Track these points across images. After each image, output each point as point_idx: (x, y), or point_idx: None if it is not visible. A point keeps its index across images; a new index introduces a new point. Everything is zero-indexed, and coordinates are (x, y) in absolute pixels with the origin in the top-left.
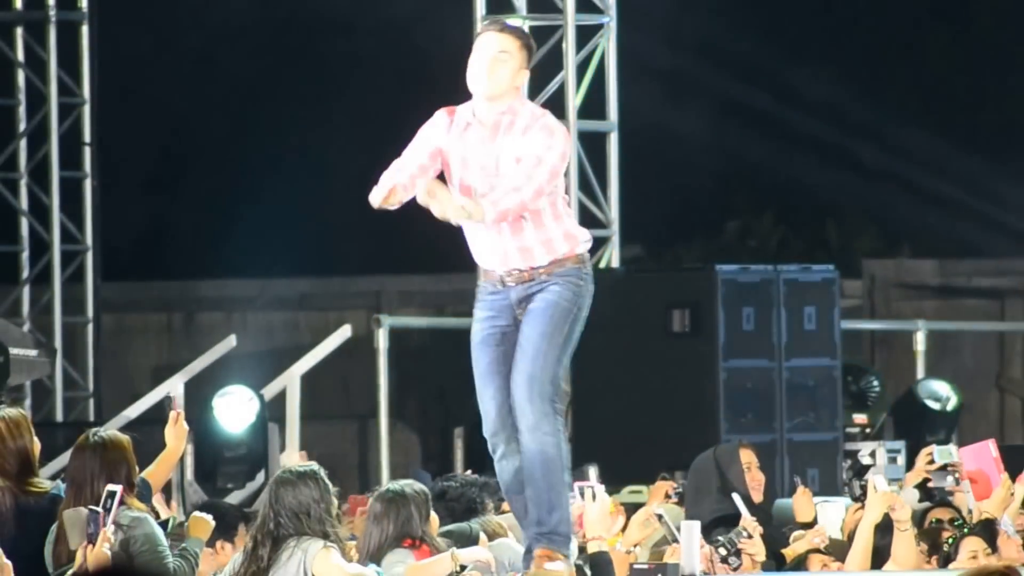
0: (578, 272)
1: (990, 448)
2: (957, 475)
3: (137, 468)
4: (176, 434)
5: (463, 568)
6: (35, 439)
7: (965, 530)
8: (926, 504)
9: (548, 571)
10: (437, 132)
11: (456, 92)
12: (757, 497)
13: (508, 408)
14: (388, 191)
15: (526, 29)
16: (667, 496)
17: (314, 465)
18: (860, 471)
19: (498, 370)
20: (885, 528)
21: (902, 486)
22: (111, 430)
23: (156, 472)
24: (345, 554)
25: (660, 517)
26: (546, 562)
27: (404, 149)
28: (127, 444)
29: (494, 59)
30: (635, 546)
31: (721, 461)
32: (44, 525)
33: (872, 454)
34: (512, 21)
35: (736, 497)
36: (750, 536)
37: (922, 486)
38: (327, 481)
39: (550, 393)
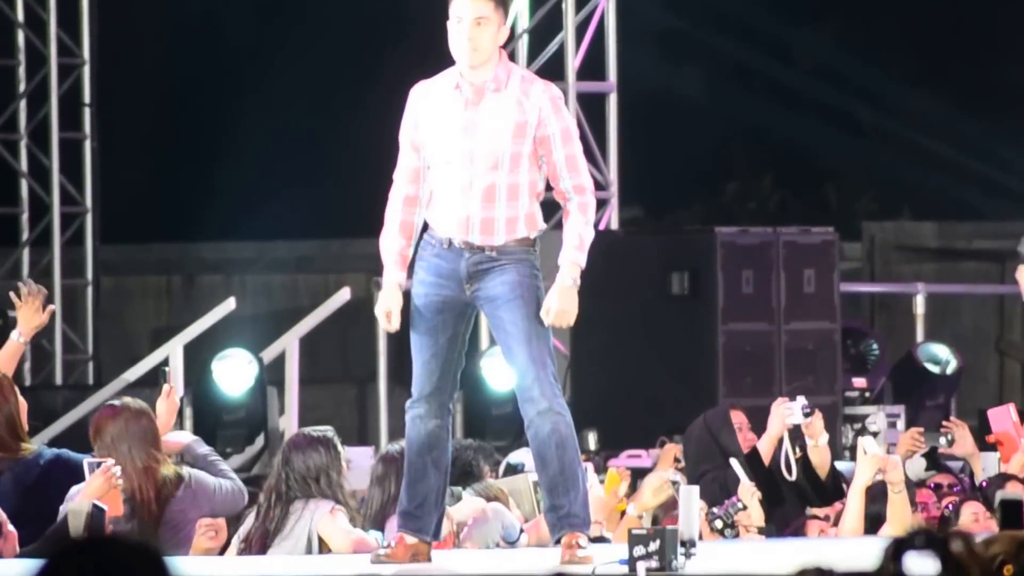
0: (527, 253)
1: (1010, 412)
2: (950, 436)
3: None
4: (168, 408)
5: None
6: (20, 399)
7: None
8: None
9: (581, 558)
10: (416, 120)
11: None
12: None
13: (440, 374)
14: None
15: None
16: (676, 460)
17: (328, 430)
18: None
19: (436, 338)
20: (879, 493)
21: (889, 450)
22: (127, 398)
23: None
24: (353, 519)
25: (675, 484)
26: (577, 550)
27: (398, 149)
28: (149, 408)
29: (473, 28)
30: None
31: (712, 426)
32: (33, 485)
33: (879, 421)
34: None
35: (735, 463)
36: (745, 507)
37: (929, 455)
38: (338, 446)
39: (552, 371)
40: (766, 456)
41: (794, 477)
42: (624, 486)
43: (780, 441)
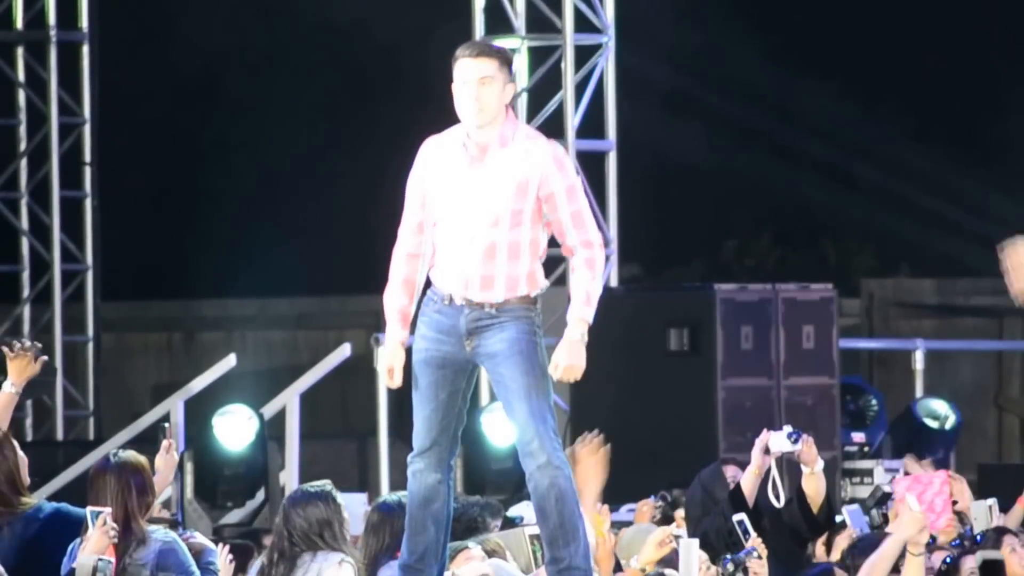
0: (527, 310)
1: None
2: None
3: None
4: (167, 463)
5: None
6: (19, 453)
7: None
8: None
9: None
10: (424, 174)
11: (454, 114)
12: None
13: (440, 429)
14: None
15: (497, 44)
16: (653, 518)
17: (326, 484)
18: (882, 499)
19: (437, 393)
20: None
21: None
22: (128, 451)
23: None
24: (359, 571)
25: (677, 538)
26: None
27: (404, 203)
28: (145, 463)
29: (479, 88)
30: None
31: (706, 484)
32: (33, 540)
33: (892, 481)
34: (483, 41)
35: (743, 518)
36: (760, 557)
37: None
38: (337, 498)
39: (553, 426)
40: (750, 492)
41: (782, 503)
42: (607, 523)
43: (768, 470)
